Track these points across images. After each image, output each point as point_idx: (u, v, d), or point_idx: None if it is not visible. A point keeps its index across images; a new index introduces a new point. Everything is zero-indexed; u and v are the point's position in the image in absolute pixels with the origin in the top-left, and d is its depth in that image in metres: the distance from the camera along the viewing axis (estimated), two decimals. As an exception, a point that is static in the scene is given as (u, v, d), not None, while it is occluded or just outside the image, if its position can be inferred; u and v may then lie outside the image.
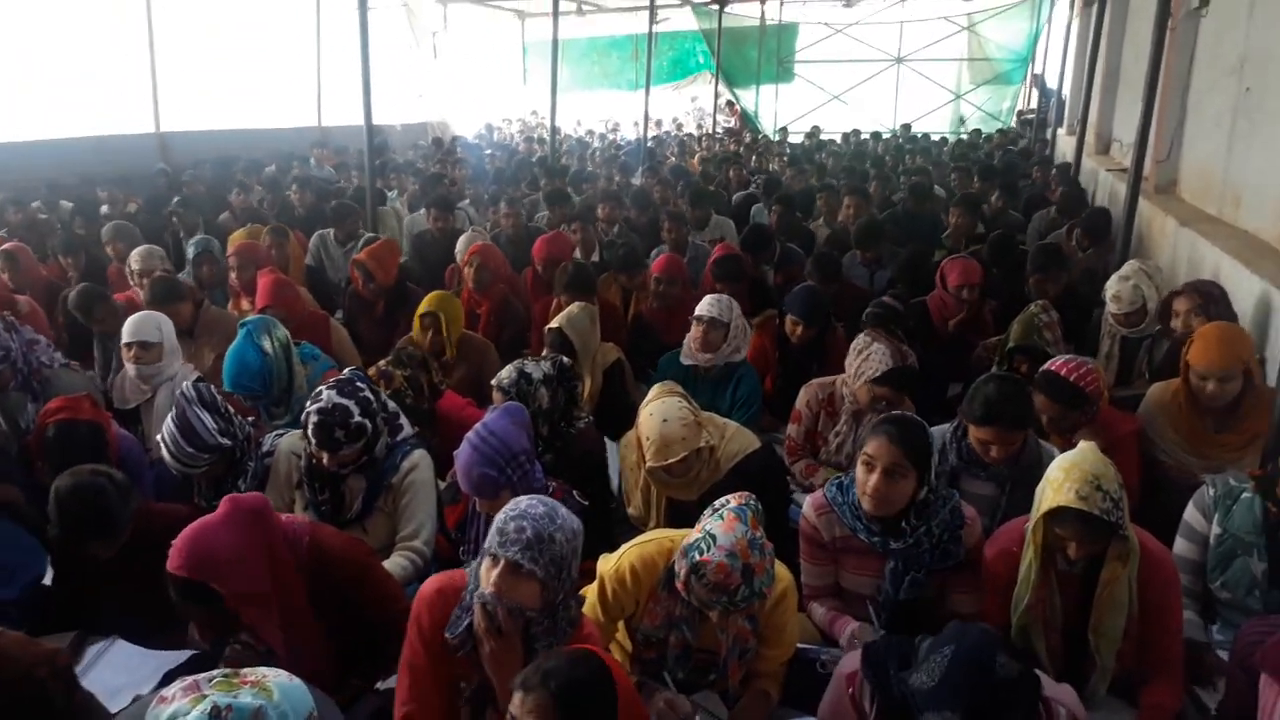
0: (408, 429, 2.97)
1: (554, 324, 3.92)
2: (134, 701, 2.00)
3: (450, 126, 16.03)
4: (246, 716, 1.42)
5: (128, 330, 3.65)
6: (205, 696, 1.44)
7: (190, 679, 1.50)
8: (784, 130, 17.18)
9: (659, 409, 2.80)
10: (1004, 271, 5.22)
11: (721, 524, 2.08)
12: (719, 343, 3.76)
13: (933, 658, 1.66)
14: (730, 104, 19.31)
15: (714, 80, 17.67)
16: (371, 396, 2.82)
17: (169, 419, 2.76)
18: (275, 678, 1.52)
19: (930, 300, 4.64)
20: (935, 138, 15.18)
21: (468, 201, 8.28)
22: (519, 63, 20.28)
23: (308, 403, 2.76)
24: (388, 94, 14.16)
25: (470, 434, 2.55)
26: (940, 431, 2.95)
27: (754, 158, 12.45)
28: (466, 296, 4.82)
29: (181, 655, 2.42)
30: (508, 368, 3.10)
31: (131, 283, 4.97)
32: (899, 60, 19.05)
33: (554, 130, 10.61)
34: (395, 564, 2.77)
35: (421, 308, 4.03)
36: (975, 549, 2.46)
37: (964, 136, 15.91)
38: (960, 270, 4.54)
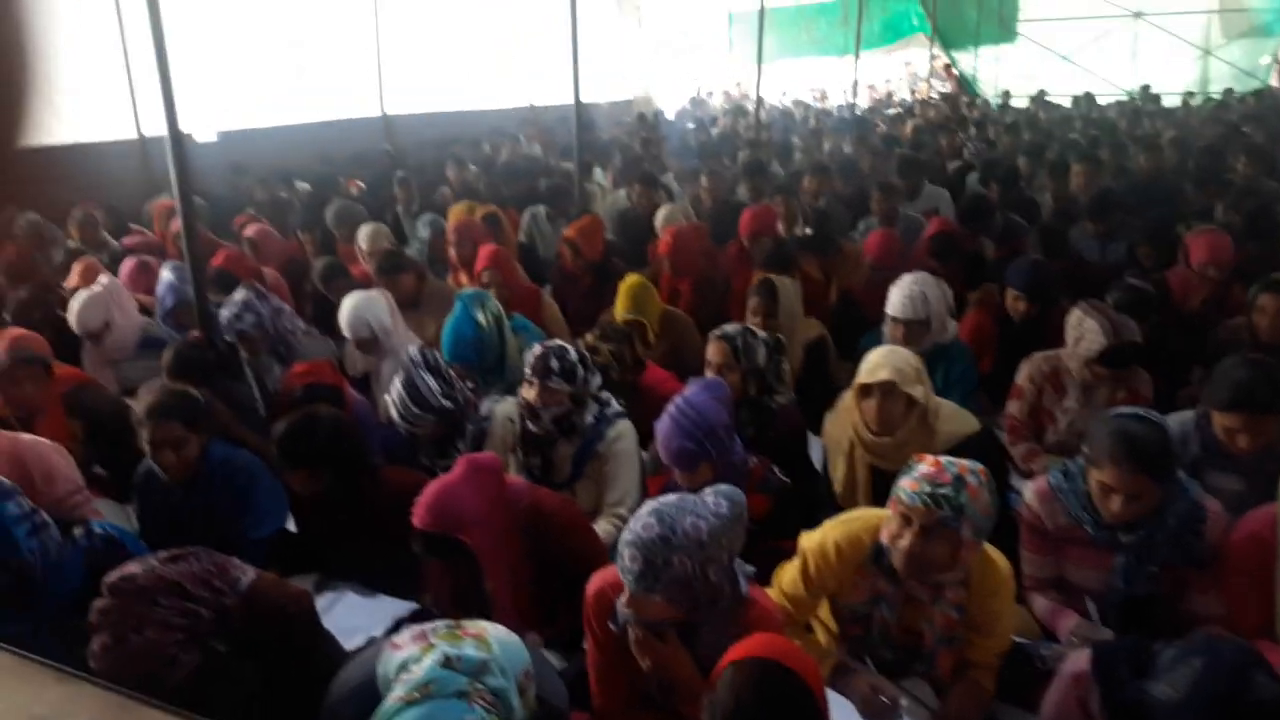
0: (614, 405, 3.06)
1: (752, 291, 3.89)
2: (368, 643, 2.16)
3: (654, 100, 16.18)
4: (474, 667, 1.50)
5: (344, 327, 3.89)
6: (434, 646, 1.53)
7: (418, 628, 1.60)
8: (1006, 94, 16.13)
9: (890, 346, 2.88)
10: (1261, 247, 4.67)
11: (922, 466, 2.07)
12: (920, 337, 3.55)
13: (1179, 668, 1.52)
14: (947, 67, 18.36)
15: (929, 42, 16.84)
16: (581, 368, 2.93)
17: (396, 381, 3.00)
18: (493, 631, 1.60)
19: (1171, 277, 4.24)
20: (1178, 100, 13.79)
21: (671, 176, 8.35)
22: (724, 33, 20.16)
23: (525, 370, 2.92)
24: (594, 71, 14.52)
25: (670, 406, 2.59)
26: (1181, 420, 2.70)
27: (972, 125, 11.80)
28: (666, 277, 4.86)
29: (409, 604, 2.61)
30: (734, 324, 3.13)
31: (361, 260, 5.35)
32: (1137, 15, 17.39)
33: (759, 101, 10.47)
34: (601, 529, 2.86)
35: (622, 309, 4.00)
36: (1218, 546, 2.24)
37: (1214, 97, 14.35)
38: (1208, 245, 4.10)
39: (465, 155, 9.54)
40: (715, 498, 1.89)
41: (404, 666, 1.53)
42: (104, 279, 4.30)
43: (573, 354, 2.94)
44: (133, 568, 1.85)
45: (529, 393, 2.92)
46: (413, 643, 1.56)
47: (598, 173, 8.58)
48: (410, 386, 2.96)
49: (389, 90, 11.36)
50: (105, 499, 3.15)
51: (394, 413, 2.99)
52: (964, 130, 10.70)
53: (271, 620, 1.91)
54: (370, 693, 1.57)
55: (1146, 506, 2.19)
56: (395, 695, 1.48)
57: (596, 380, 3.02)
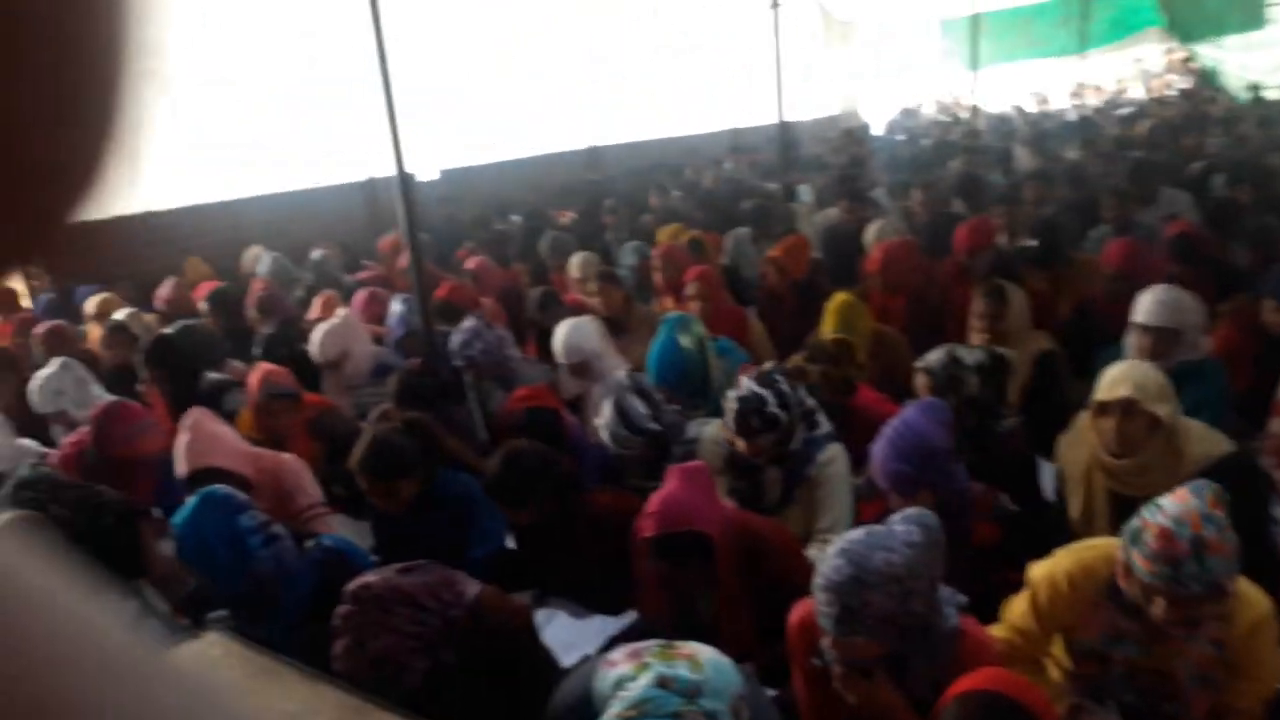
0: (825, 425, 2.98)
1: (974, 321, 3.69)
2: (582, 660, 2.21)
3: (860, 115, 15.85)
4: (688, 689, 1.50)
5: (558, 353, 4.02)
6: (648, 665, 1.54)
7: (632, 646, 1.62)
8: (1255, 87, 14.57)
9: (1132, 360, 2.71)
10: None
11: (1171, 496, 1.82)
12: (1171, 348, 3.26)
13: None
14: (1184, 61, 16.86)
15: (1164, 36, 15.52)
16: (789, 390, 2.86)
17: (606, 405, 3.07)
18: (706, 653, 1.59)
19: None
20: None
21: (880, 191, 8.13)
22: (935, 42, 19.49)
23: (729, 391, 2.88)
24: (799, 89, 14.42)
25: (887, 428, 2.49)
26: None
27: (1216, 122, 10.75)
28: (877, 295, 4.71)
29: (621, 622, 2.64)
30: (937, 351, 2.98)
31: (572, 287, 5.54)
32: None
33: (974, 109, 10.03)
34: (812, 555, 2.77)
35: (830, 327, 3.86)
36: None
37: None
38: None
39: (668, 181, 9.72)
40: (905, 526, 1.80)
41: (619, 684, 1.55)
42: (341, 311, 4.67)
43: (772, 402, 2.79)
44: (371, 577, 1.98)
45: (735, 441, 2.87)
46: (627, 661, 1.58)
47: (803, 191, 8.49)
48: (620, 410, 3.02)
49: (595, 122, 11.76)
50: (344, 515, 3.40)
51: (604, 435, 3.06)
52: (1206, 129, 9.76)
53: (494, 632, 1.99)
54: (587, 708, 1.59)
55: None
56: (612, 713, 1.50)
57: (804, 403, 2.95)
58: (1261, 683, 1.93)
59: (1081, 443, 2.70)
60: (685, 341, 3.67)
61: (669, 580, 2.30)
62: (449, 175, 9.79)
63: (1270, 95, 13.58)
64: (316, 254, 6.78)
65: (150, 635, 2.37)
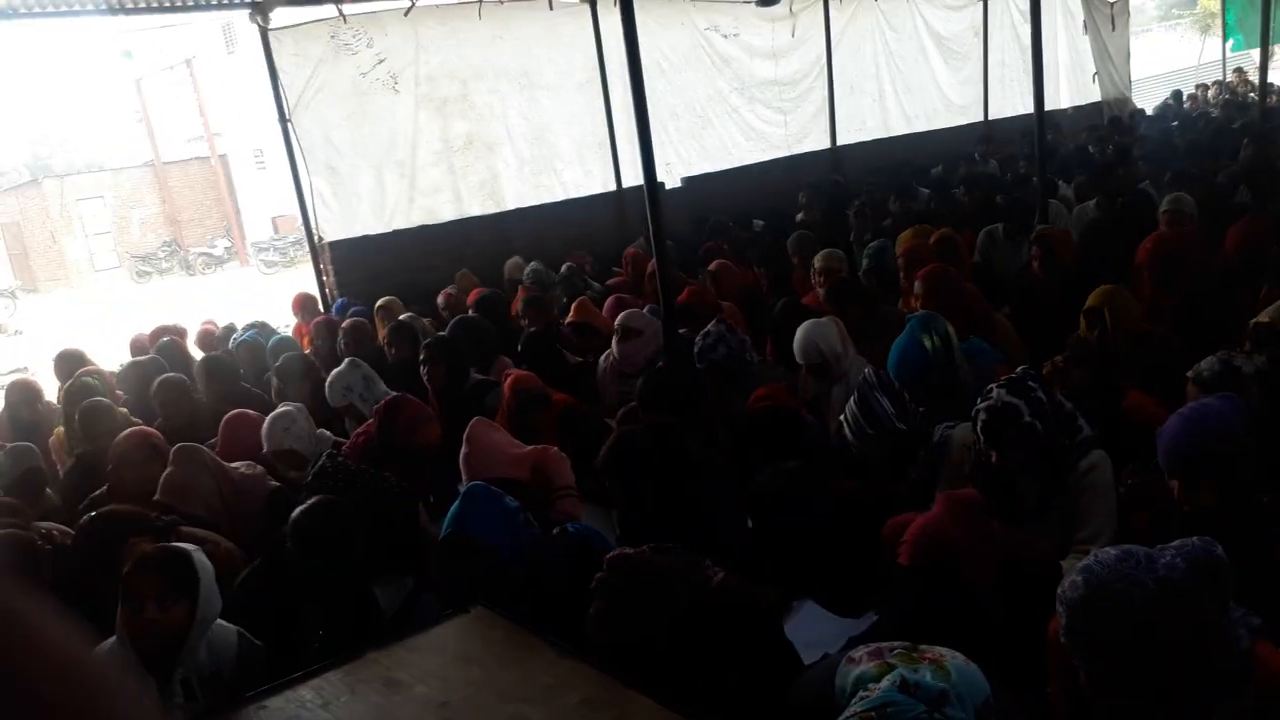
0: (1086, 430, 2.80)
1: (1262, 318, 3.35)
2: (823, 658, 2.23)
3: (1129, 101, 14.57)
4: (931, 697, 1.48)
5: (797, 353, 4.04)
6: (892, 667, 1.54)
7: (875, 645, 1.62)
8: None
9: None
10: None
11: None
12: None
13: None
14: None
15: None
16: (1044, 397, 2.72)
17: (851, 401, 3.08)
18: (952, 658, 1.56)
19: None
20: None
21: (1147, 183, 7.47)
22: (1219, 17, 17.60)
23: (979, 400, 2.79)
24: (1059, 77, 13.50)
25: (1183, 409, 2.35)
26: None
27: None
28: (1148, 292, 4.35)
29: (863, 623, 2.63)
30: (1211, 359, 2.75)
31: (814, 281, 5.52)
32: None
33: (1263, 89, 8.98)
34: (1070, 565, 2.64)
35: (1088, 303, 3.77)
36: None
37: None
38: None
39: (916, 179, 9.42)
40: (1172, 557, 1.65)
41: (861, 683, 1.56)
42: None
43: (1026, 411, 2.64)
44: (629, 551, 2.11)
45: (989, 454, 2.78)
46: (869, 659, 1.58)
47: (1062, 185, 7.97)
48: (865, 406, 3.01)
49: (840, 124, 11.62)
50: (594, 505, 3.60)
51: (847, 432, 3.05)
52: None
53: (738, 615, 2.06)
54: (828, 702, 1.61)
55: None
56: (852, 711, 1.51)
57: (1063, 407, 2.79)
58: None
59: None
60: (928, 341, 3.58)
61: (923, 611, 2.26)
62: (693, 182, 10.03)
63: None
64: (564, 268, 7.16)
65: (424, 609, 2.65)
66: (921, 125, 12.63)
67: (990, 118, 13.21)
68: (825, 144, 11.51)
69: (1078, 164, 8.91)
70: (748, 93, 10.81)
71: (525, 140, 8.99)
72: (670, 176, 9.60)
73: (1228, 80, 16.80)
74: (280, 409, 4.11)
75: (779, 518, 2.83)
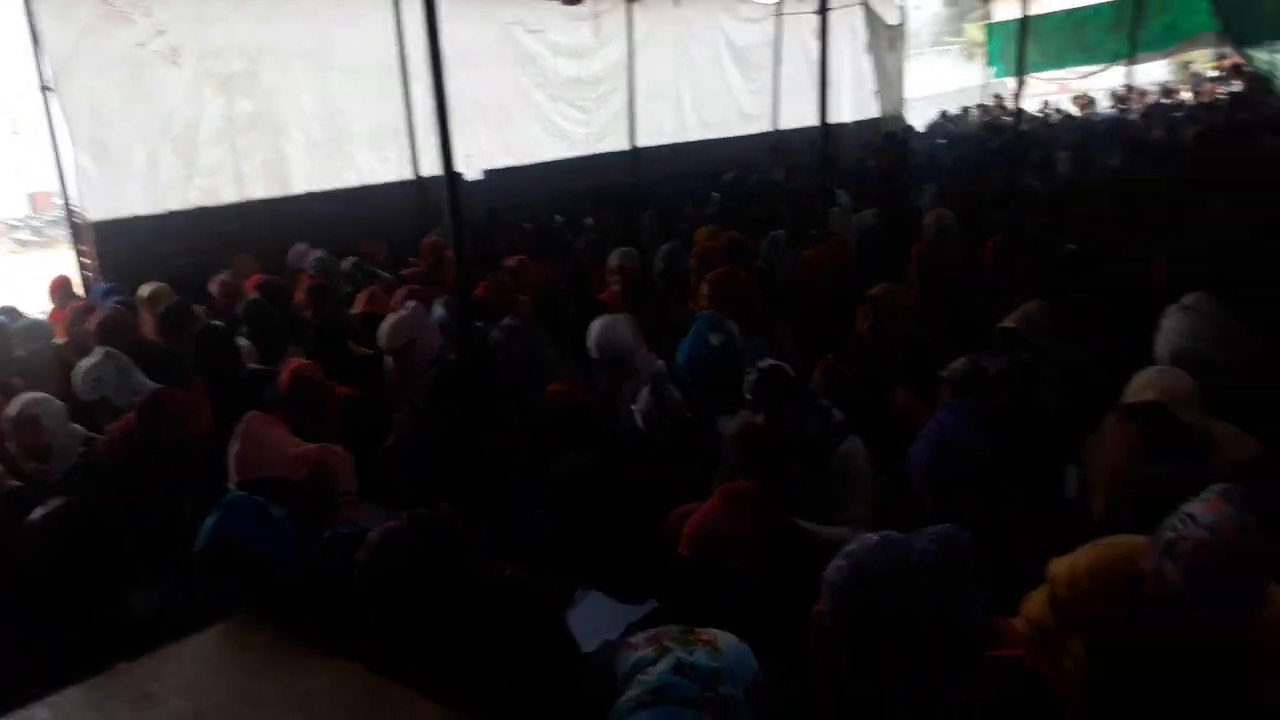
0: (837, 414, 3.03)
1: (1007, 323, 3.70)
2: (604, 644, 2.26)
3: (904, 119, 15.75)
4: (706, 676, 1.53)
5: (590, 347, 4.06)
6: (668, 650, 1.58)
7: (652, 631, 1.66)
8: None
9: (1161, 366, 2.73)
10: None
11: (1204, 505, 1.82)
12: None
13: None
14: (1237, 66, 16.48)
15: (1217, 41, 15.20)
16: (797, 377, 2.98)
17: (644, 391, 3.19)
18: (725, 639, 1.62)
19: None
20: None
21: (920, 195, 8.08)
22: (983, 46, 19.33)
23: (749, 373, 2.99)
24: (841, 92, 14.34)
25: (928, 431, 2.56)
26: None
27: (1269, 127, 10.52)
28: (914, 290, 4.71)
29: (644, 609, 2.69)
30: (960, 360, 3.00)
31: (609, 280, 5.60)
32: None
33: (1018, 114, 9.90)
34: (842, 532, 2.81)
35: (870, 292, 4.02)
36: None
37: None
38: None
39: (707, 184, 9.75)
40: (926, 542, 1.78)
41: (639, 667, 1.58)
42: (410, 303, 4.78)
43: (789, 372, 2.94)
44: (390, 524, 2.05)
45: (754, 418, 2.93)
46: (646, 644, 1.62)
47: (841, 195, 8.49)
48: (657, 396, 3.11)
49: (640, 125, 11.83)
50: (378, 505, 3.47)
51: (639, 420, 3.13)
52: (1259, 134, 9.57)
53: (524, 610, 2.05)
54: (610, 687, 1.63)
55: None
56: (630, 695, 1.53)
57: (821, 403, 3.00)
58: None
59: (1107, 447, 2.70)
60: (715, 339, 3.71)
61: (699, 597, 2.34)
62: (494, 175, 9.92)
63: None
64: (347, 261, 6.86)
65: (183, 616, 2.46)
66: (716, 132, 13.07)
67: (780, 128, 13.88)
68: (625, 145, 11.71)
69: (856, 175, 9.51)
70: (551, 90, 10.82)
71: (317, 122, 8.55)
72: (471, 168, 9.46)
73: (988, 104, 18.47)
74: (28, 396, 3.73)
75: (573, 505, 2.86)
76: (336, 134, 8.72)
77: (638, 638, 1.65)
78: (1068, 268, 4.57)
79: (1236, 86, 16.35)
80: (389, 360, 4.59)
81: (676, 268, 5.74)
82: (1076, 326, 4.00)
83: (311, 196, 8.42)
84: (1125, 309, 4.27)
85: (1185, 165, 7.09)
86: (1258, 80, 16.05)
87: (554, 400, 3.50)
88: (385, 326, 4.53)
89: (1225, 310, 3.18)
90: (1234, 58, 16.21)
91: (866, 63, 15.12)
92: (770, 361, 2.98)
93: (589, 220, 8.46)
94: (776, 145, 12.68)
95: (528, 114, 10.56)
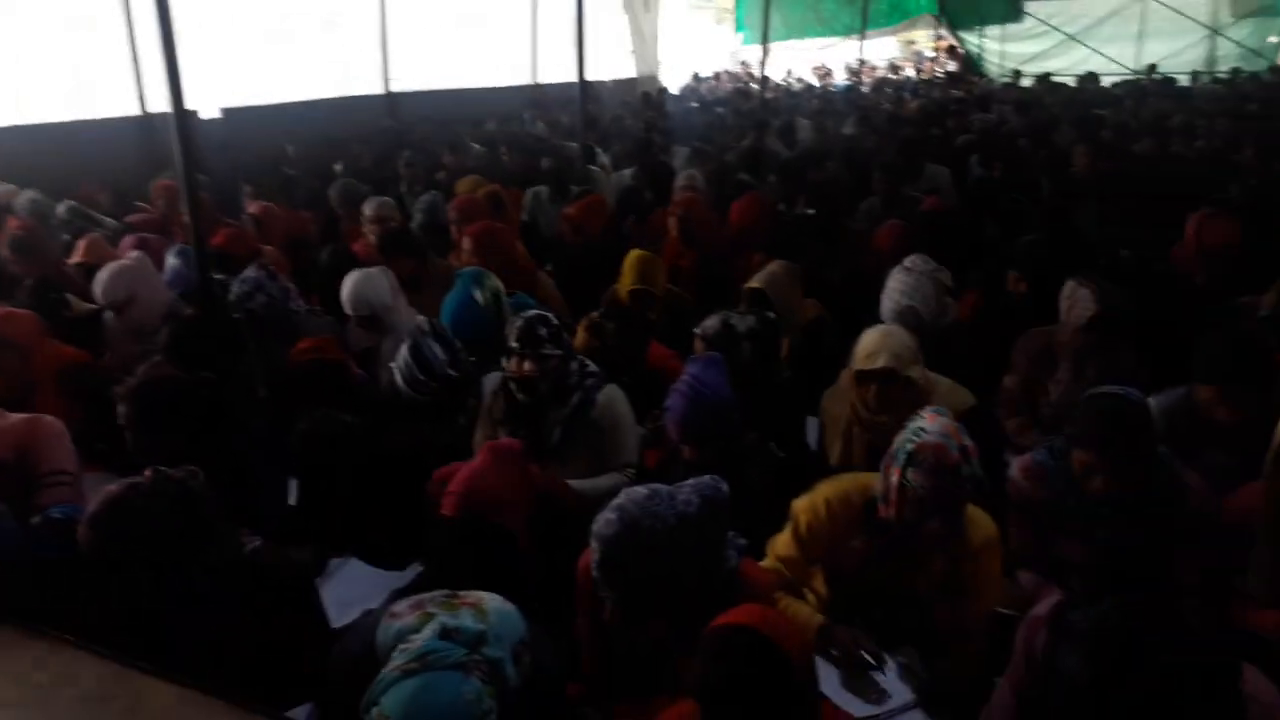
0: (592, 366, 3.10)
1: (753, 283, 3.89)
2: (364, 615, 2.19)
3: (659, 80, 16.11)
4: (471, 639, 1.52)
5: (346, 305, 3.89)
6: (433, 615, 1.56)
7: (416, 598, 1.63)
8: (1014, 74, 15.98)
9: (885, 328, 2.89)
10: (1261, 233, 4.65)
11: (923, 421, 2.12)
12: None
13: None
14: (952, 48, 18.23)
15: (935, 23, 16.70)
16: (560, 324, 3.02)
17: (403, 349, 3.06)
18: (490, 600, 1.62)
19: (1176, 257, 4.22)
20: (1185, 80, 13.69)
21: (676, 155, 8.32)
22: (731, 12, 20.06)
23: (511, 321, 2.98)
24: (601, 49, 14.42)
25: (682, 385, 2.60)
26: (1172, 396, 2.72)
27: (977, 104, 11.71)
28: (669, 248, 4.86)
29: (408, 576, 2.64)
30: (712, 318, 3.13)
31: (364, 230, 5.37)
32: (1147, -8, 17.14)
33: (764, 81, 10.41)
34: (615, 479, 2.92)
35: (630, 280, 4.02)
36: (1199, 518, 2.29)
37: (1221, 76, 14.19)
38: (1223, 227, 4.11)
39: (469, 133, 9.53)
40: (689, 494, 1.89)
41: (402, 636, 1.55)
42: (134, 253, 4.33)
43: (553, 319, 2.97)
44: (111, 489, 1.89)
45: (519, 366, 2.93)
46: (410, 612, 1.59)
47: (600, 154, 8.58)
48: (417, 354, 3.01)
49: (394, 67, 11.30)
50: (107, 473, 3.16)
51: (398, 379, 3.03)
52: (968, 110, 10.64)
53: (272, 586, 1.94)
54: (369, 662, 1.59)
55: (1128, 484, 2.22)
56: (394, 665, 1.50)
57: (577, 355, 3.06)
58: (985, 600, 2.21)
59: (843, 400, 2.94)
60: (480, 296, 3.66)
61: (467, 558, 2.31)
62: (233, 114, 9.16)
63: (1025, 82, 14.90)
64: (62, 207, 6.10)
65: None
66: (477, 81, 12.77)
67: (539, 81, 13.77)
68: (380, 88, 11.17)
69: (615, 134, 9.64)
70: (296, 22, 10.10)
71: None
72: (208, 106, 8.68)
73: (736, 70, 19.28)
74: None
75: (321, 468, 2.74)
76: (40, 62, 7.71)
77: (400, 605, 1.62)
78: (805, 230, 4.89)
79: (952, 66, 18.07)
80: (109, 315, 4.16)
81: (436, 219, 5.60)
82: (814, 286, 4.30)
83: (13, 131, 7.40)
84: (856, 270, 4.65)
85: (908, 135, 7.72)
86: (969, 61, 17.89)
87: (301, 358, 3.30)
88: (102, 277, 4.09)
89: (940, 270, 3.55)
90: (950, 39, 17.89)
91: (624, 21, 15.28)
92: (534, 311, 2.99)
93: (339, 166, 8.02)
94: (537, 100, 12.58)
95: (273, 48, 9.81)
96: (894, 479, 2.12)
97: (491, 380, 3.19)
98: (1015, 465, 2.52)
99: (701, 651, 1.59)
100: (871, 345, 2.81)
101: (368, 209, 5.41)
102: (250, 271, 3.91)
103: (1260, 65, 15.15)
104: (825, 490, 2.32)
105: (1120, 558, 2.27)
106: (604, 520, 1.85)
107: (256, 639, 1.92)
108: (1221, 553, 2.26)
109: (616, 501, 1.89)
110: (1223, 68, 15.20)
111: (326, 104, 10.29)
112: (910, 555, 2.20)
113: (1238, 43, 16.26)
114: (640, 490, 1.90)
